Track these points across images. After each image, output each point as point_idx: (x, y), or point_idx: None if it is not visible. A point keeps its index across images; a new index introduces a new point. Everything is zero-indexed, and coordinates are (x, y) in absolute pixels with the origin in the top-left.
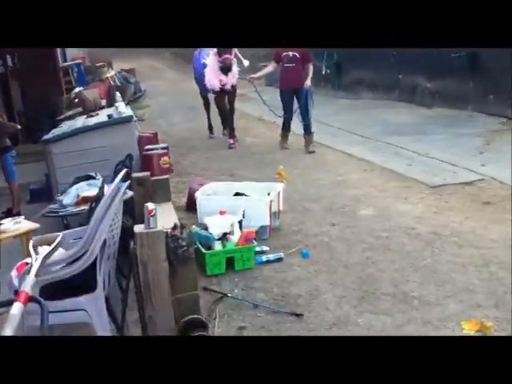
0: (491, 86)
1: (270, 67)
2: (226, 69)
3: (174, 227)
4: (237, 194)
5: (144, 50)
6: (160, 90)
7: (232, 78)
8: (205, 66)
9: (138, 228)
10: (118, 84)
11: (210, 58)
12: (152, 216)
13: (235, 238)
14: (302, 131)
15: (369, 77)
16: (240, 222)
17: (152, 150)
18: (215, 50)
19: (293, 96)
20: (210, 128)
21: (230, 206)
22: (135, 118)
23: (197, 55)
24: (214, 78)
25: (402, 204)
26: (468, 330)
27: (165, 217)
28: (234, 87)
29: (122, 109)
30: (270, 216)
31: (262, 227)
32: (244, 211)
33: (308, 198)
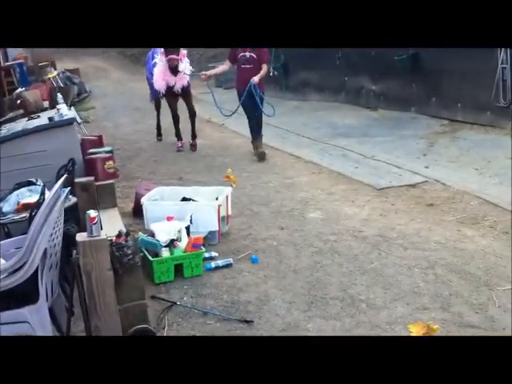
0: (433, 88)
1: (225, 66)
2: (172, 69)
3: (119, 235)
4: (184, 199)
5: (89, 50)
6: (106, 90)
7: (181, 80)
8: (155, 66)
9: (81, 236)
10: (61, 85)
11: (159, 57)
12: (94, 224)
13: (183, 244)
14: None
15: (315, 78)
16: (188, 228)
17: (96, 153)
18: (162, 49)
19: (248, 93)
20: (159, 130)
21: (177, 212)
22: (80, 120)
23: (149, 55)
24: (160, 79)
25: (349, 207)
26: (415, 333)
27: (110, 223)
28: (185, 88)
29: (64, 111)
30: (219, 221)
31: (211, 232)
32: (192, 216)
33: (257, 201)
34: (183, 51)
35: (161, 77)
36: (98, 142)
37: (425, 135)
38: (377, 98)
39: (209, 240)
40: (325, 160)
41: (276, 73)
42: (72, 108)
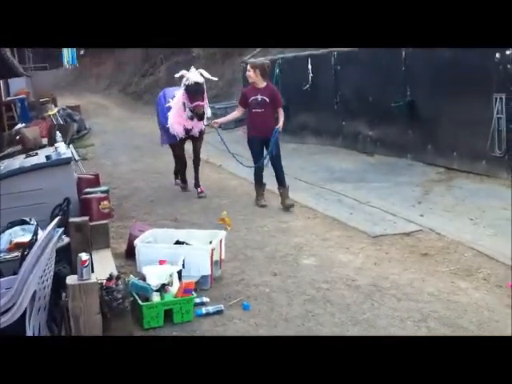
0: (429, 135)
1: (237, 112)
2: (198, 117)
3: (110, 278)
4: (178, 242)
5: (91, 87)
6: (106, 128)
7: (198, 124)
8: (169, 109)
9: (71, 279)
10: (61, 122)
11: (176, 100)
12: (85, 267)
13: (174, 289)
14: (276, 184)
15: (313, 122)
16: (179, 273)
17: (91, 193)
18: (181, 91)
19: (263, 145)
20: (183, 176)
21: (170, 255)
22: (77, 158)
23: (161, 97)
24: (177, 124)
25: (343, 254)
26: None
27: (102, 265)
28: (201, 133)
29: (62, 149)
30: (212, 265)
31: (203, 277)
32: (184, 260)
33: (251, 245)
34: (205, 95)
35: (177, 121)
36: (95, 181)
37: (420, 183)
38: (373, 144)
39: (201, 284)
40: (320, 205)
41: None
42: (70, 146)
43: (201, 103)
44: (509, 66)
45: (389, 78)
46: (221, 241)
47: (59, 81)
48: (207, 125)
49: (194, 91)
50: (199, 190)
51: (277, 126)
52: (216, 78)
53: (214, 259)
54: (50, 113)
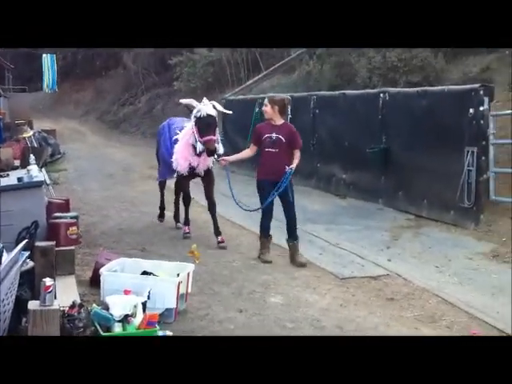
0: (401, 182)
1: (249, 151)
2: (209, 153)
3: (73, 306)
4: (145, 273)
5: (68, 112)
6: (80, 153)
7: (205, 160)
8: (176, 142)
9: (33, 305)
10: (35, 145)
11: (184, 132)
12: (48, 292)
13: (137, 320)
14: (286, 237)
15: None
16: (144, 304)
17: (60, 218)
18: (191, 123)
19: (272, 188)
20: (162, 211)
21: (135, 286)
22: (49, 182)
23: (165, 127)
24: (182, 159)
25: (310, 294)
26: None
27: (65, 292)
28: (209, 172)
29: (34, 172)
30: (177, 298)
31: (168, 310)
32: (150, 292)
33: (218, 280)
34: (217, 129)
35: (183, 156)
36: (65, 206)
37: (390, 228)
38: (347, 187)
39: (165, 317)
40: None
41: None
42: (43, 169)
43: (213, 138)
44: (481, 122)
45: (365, 125)
46: (188, 274)
47: (37, 104)
48: (217, 161)
49: (205, 125)
50: (219, 239)
51: (290, 167)
52: (231, 112)
53: (180, 292)
54: (25, 135)
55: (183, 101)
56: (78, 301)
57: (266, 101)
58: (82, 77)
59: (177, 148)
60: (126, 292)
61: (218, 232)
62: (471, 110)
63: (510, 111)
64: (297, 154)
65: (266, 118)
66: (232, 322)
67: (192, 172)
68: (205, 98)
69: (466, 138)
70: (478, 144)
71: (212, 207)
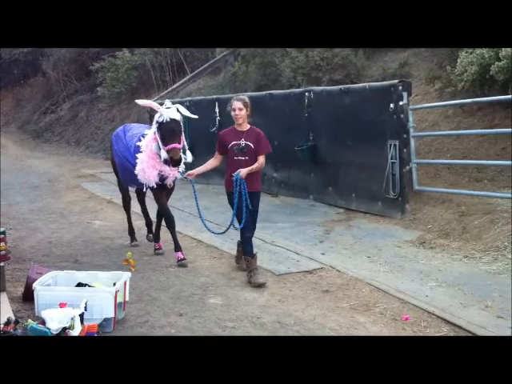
0: (330, 178)
1: (214, 161)
2: (174, 163)
3: (8, 322)
4: (80, 285)
5: None
6: (3, 166)
7: (175, 170)
8: (137, 149)
9: None
10: None
11: (147, 139)
12: None
13: (75, 332)
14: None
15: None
16: (81, 316)
17: None
18: (153, 131)
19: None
20: (132, 232)
21: (71, 298)
22: None
23: (120, 135)
24: (151, 169)
25: (248, 292)
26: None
27: None
28: (175, 181)
29: None
30: (115, 307)
31: (106, 320)
32: (86, 303)
33: (156, 286)
34: (182, 136)
35: (151, 165)
36: None
37: (322, 222)
38: (278, 185)
39: (103, 327)
40: (226, 244)
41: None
42: None
43: (177, 146)
44: (402, 116)
45: (293, 124)
46: (125, 282)
47: None
48: (182, 177)
49: (169, 131)
50: (156, 246)
51: (236, 172)
52: (196, 116)
53: (118, 301)
54: None
55: (140, 102)
56: (13, 317)
57: (237, 103)
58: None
59: (141, 157)
60: (62, 305)
61: (179, 246)
62: (391, 105)
63: (428, 104)
64: (260, 160)
65: (238, 124)
66: (173, 327)
67: (162, 183)
68: (167, 101)
69: (388, 131)
70: (400, 137)
71: (168, 217)
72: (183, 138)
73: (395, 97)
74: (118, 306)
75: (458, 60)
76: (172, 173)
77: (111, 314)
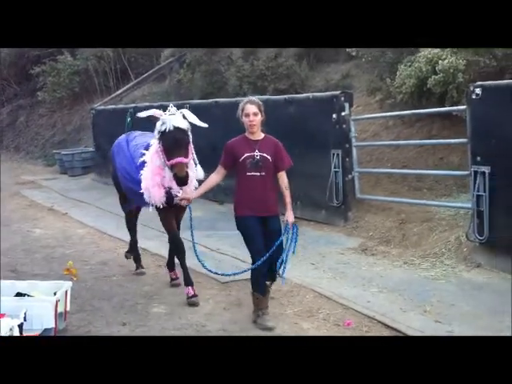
0: None
1: (216, 176)
2: (179, 181)
3: None
4: (19, 294)
5: None
6: None
7: (189, 187)
8: (143, 163)
9: None
10: None
11: (150, 153)
12: None
13: None
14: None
15: None
16: (20, 326)
17: None
18: (156, 142)
19: (261, 227)
20: (137, 258)
21: (10, 309)
22: None
23: (122, 145)
24: (156, 188)
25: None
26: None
27: None
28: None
29: None
30: (56, 317)
31: (47, 330)
32: (26, 313)
33: (99, 295)
34: (190, 147)
35: (156, 183)
36: None
37: None
38: (224, 193)
39: None
40: None
41: None
42: None
43: (183, 160)
44: (344, 126)
45: (239, 132)
46: (66, 292)
47: None
48: (176, 201)
49: (173, 142)
50: (188, 291)
51: (285, 221)
52: (206, 125)
53: (59, 311)
54: None
55: (142, 115)
56: None
57: (252, 108)
58: None
59: (145, 174)
60: (0, 316)
61: (190, 279)
62: (334, 116)
63: (369, 115)
64: (284, 180)
65: (251, 132)
66: None
67: (170, 202)
68: (171, 105)
69: (331, 141)
70: (342, 147)
71: (178, 246)
72: (192, 149)
73: (337, 107)
74: (59, 316)
75: (397, 73)
76: (186, 189)
77: (52, 325)
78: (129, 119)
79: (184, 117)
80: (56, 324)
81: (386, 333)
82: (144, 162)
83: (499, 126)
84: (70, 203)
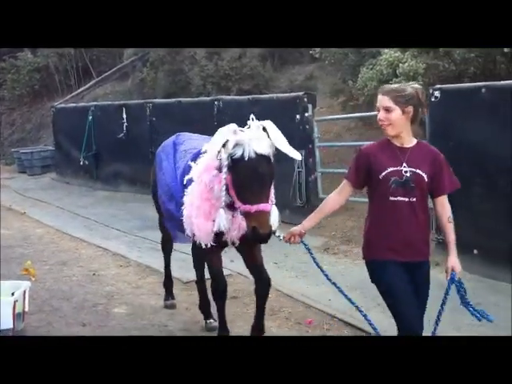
0: None
1: (339, 198)
2: (258, 238)
3: None
4: None
5: None
6: None
7: (243, 221)
8: (190, 183)
9: None
10: None
11: (200, 167)
12: None
13: None
14: None
15: (128, 170)
16: None
17: None
18: (213, 154)
19: (406, 276)
20: (169, 284)
21: None
22: None
23: (168, 151)
24: (202, 220)
25: (155, 300)
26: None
27: None
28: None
29: None
30: (14, 318)
31: (4, 331)
32: None
33: (58, 296)
34: (272, 189)
35: (203, 213)
36: None
37: None
38: None
39: None
40: (133, 253)
41: (87, 162)
42: None
43: (267, 208)
44: (307, 127)
45: (202, 132)
46: (24, 292)
47: None
48: (281, 240)
49: (254, 178)
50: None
51: (450, 269)
52: (300, 157)
53: (17, 311)
54: None
55: (208, 147)
56: None
57: (383, 99)
58: None
59: (189, 196)
60: None
61: (261, 325)
62: (298, 116)
63: (331, 117)
64: (444, 207)
65: (390, 135)
66: None
67: (220, 239)
68: (252, 119)
69: (295, 142)
70: (306, 147)
71: (263, 287)
72: (272, 188)
73: (301, 108)
74: (17, 316)
75: (360, 75)
76: (238, 225)
77: (9, 325)
78: (90, 117)
79: (266, 132)
80: (14, 324)
81: (346, 330)
82: (191, 180)
83: (457, 128)
84: (28, 202)
